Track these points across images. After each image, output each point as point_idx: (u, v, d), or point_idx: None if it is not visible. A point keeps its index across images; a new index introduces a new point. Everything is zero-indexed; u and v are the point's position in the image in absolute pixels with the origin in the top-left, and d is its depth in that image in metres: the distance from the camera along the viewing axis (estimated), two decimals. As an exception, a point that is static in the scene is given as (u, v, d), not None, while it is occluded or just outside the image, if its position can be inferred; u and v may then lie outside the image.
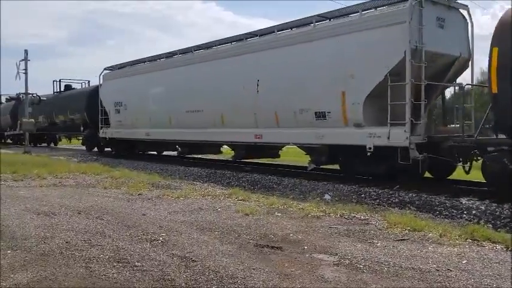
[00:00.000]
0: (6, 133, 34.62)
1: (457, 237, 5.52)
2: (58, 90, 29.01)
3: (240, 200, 8.23)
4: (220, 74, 13.87)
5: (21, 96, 30.45)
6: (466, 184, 9.67)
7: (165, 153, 21.19)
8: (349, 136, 10.18)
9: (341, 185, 10.02)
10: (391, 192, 9.06)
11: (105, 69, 20.79)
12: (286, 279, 4.02)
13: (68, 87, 28.63)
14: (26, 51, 23.65)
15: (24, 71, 23.75)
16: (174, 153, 19.07)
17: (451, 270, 4.25)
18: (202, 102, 14.60)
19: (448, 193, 8.57)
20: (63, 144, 35.82)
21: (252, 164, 15.43)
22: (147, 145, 19.69)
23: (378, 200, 8.77)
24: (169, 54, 17.00)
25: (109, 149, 21.97)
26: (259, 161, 15.95)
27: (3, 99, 39.40)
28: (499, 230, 6.38)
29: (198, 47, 15.39)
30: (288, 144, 12.97)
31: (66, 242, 5.20)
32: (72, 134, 29.03)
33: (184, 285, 3.91)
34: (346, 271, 4.27)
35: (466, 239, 5.46)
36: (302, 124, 11.25)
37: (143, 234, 5.60)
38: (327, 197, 9.31)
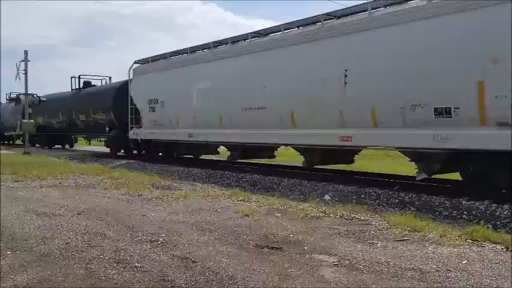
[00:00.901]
0: (6, 133, 34.10)
1: (457, 237, 5.51)
2: (77, 87, 25.82)
3: (240, 201, 8.23)
4: (290, 63, 11.56)
5: (20, 96, 30.39)
6: (466, 185, 9.66)
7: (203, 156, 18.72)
8: (490, 139, 7.87)
9: (341, 186, 10.02)
10: (391, 192, 9.06)
11: (135, 62, 18.40)
12: (286, 280, 4.03)
13: (87, 84, 25.71)
14: (25, 52, 23.63)
15: (24, 72, 23.73)
16: (214, 157, 17.80)
17: (451, 271, 4.25)
18: (265, 98, 12.24)
19: (447, 194, 8.56)
20: (82, 145, 32.31)
21: (251, 164, 15.43)
22: (188, 148, 16.89)
23: (377, 201, 8.77)
24: (217, 44, 14.65)
25: (131, 152, 20.41)
26: (259, 162, 15.95)
27: (3, 100, 38.69)
28: (499, 230, 6.38)
29: (257, 33, 13.13)
30: (390, 148, 10.55)
31: (66, 243, 5.20)
32: (93, 135, 25.55)
33: (184, 286, 3.91)
34: (346, 272, 4.28)
35: (466, 239, 5.46)
36: (413, 123, 9.03)
37: (143, 235, 5.60)
38: (326, 197, 9.30)
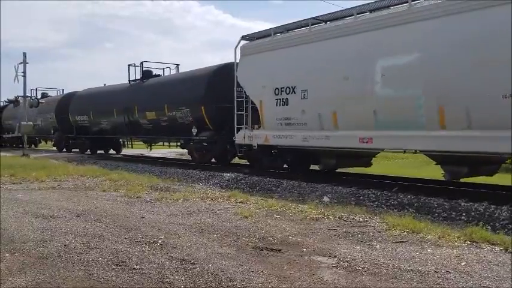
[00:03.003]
0: (5, 136, 32.96)
1: (456, 239, 5.52)
2: (135, 77, 20.32)
3: (239, 203, 8.22)
4: None
5: (19, 98, 30.31)
6: (464, 186, 9.67)
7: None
8: None
9: (340, 187, 10.02)
10: (389, 194, 9.07)
11: (243, 38, 13.25)
12: (285, 282, 4.02)
13: (147, 73, 19.87)
14: (24, 54, 23.61)
15: (22, 74, 23.71)
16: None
17: (449, 272, 4.25)
18: None
19: (446, 195, 8.57)
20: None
21: (249, 166, 15.43)
22: (343, 157, 11.41)
23: (376, 202, 8.78)
24: None
25: (224, 160, 15.78)
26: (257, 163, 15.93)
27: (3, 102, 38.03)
28: (497, 231, 6.39)
29: None
30: None
31: (65, 245, 5.19)
32: (167, 138, 19.14)
33: (183, 287, 3.90)
34: (345, 273, 4.27)
35: (465, 240, 5.47)
36: None
37: (142, 237, 5.59)
38: (325, 199, 9.31)
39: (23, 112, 28.84)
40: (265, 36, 12.75)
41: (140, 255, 4.82)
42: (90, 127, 22.85)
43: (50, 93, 31.82)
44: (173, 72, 19.78)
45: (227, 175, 13.05)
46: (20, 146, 26.37)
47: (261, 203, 8.16)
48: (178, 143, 18.67)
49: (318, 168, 12.51)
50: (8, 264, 4.51)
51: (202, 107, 15.01)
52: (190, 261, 4.60)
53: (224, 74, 14.45)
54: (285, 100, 11.65)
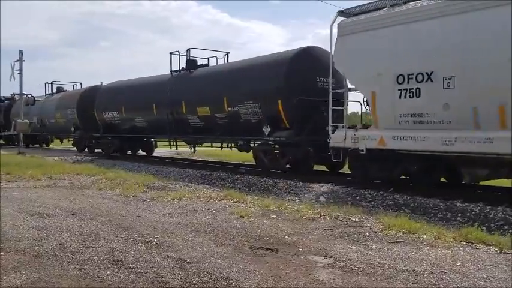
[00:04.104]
0: (2, 134, 31.77)
1: (452, 239, 5.54)
2: (178, 67, 16.85)
3: (235, 202, 8.22)
4: None
5: (15, 96, 30.15)
6: (460, 187, 9.70)
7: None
8: None
9: (336, 187, 10.03)
10: (385, 194, 9.08)
11: (340, 13, 10.32)
12: (281, 281, 4.03)
13: (192, 63, 16.55)
14: (21, 52, 23.50)
15: (19, 72, 23.61)
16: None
17: (445, 273, 4.27)
18: None
19: (442, 196, 8.59)
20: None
21: (246, 165, 15.41)
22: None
23: (372, 202, 8.79)
24: None
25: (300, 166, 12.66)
26: (254, 163, 15.93)
27: None
28: (493, 232, 6.41)
29: None
30: None
31: (60, 244, 5.18)
32: (216, 139, 15.72)
33: (178, 287, 3.90)
34: (340, 273, 4.28)
35: (460, 241, 5.49)
36: None
37: (138, 236, 5.58)
38: (322, 199, 9.31)
39: (31, 108, 27.53)
40: (375, 10, 9.83)
41: (136, 254, 4.81)
42: (120, 125, 19.39)
43: (65, 88, 28.54)
44: (221, 62, 16.46)
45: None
46: (16, 143, 25.59)
47: (257, 202, 8.16)
48: (229, 144, 15.35)
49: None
50: (3, 262, 4.49)
51: (279, 101, 11.95)
52: (186, 260, 4.59)
53: (306, 59, 12.15)
54: (414, 91, 8.75)
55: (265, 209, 7.54)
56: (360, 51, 9.77)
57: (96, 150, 22.23)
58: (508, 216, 7.08)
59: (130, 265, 4.43)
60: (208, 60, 16.65)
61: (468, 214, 7.48)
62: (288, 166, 12.88)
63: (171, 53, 16.85)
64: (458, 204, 7.90)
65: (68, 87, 28.31)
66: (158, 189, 9.84)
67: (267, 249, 5.09)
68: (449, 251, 5.03)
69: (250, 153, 14.18)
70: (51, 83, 28.67)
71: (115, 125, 19.67)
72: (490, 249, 5.20)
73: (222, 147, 15.90)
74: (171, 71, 16.92)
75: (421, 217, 7.52)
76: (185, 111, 15.39)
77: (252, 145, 13.98)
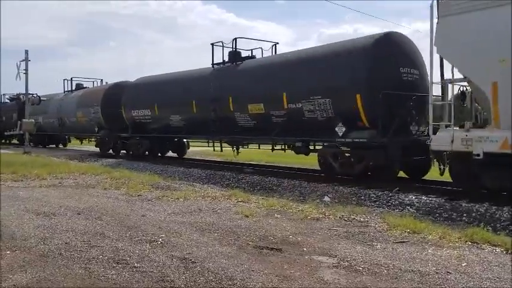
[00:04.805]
0: (6, 133, 31.53)
1: (457, 239, 5.52)
2: (220, 60, 15.03)
3: (240, 202, 8.23)
4: None
5: (21, 96, 30.22)
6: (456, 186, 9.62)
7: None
8: None
9: (341, 187, 10.01)
10: (390, 194, 9.05)
11: None
12: (286, 281, 4.02)
13: (234, 55, 14.67)
14: (26, 52, 23.62)
15: (24, 72, 23.72)
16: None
17: (450, 273, 4.25)
18: None
19: (447, 196, 8.56)
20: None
21: (252, 165, 15.42)
22: None
23: (377, 202, 8.76)
24: None
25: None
26: (259, 163, 15.94)
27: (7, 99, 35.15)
28: (498, 232, 6.37)
29: None
30: None
31: (66, 243, 5.20)
32: (266, 139, 13.57)
33: (183, 286, 3.91)
34: (345, 273, 4.27)
35: (466, 241, 5.47)
36: None
37: (143, 235, 5.60)
38: (326, 199, 9.30)
39: (43, 108, 26.14)
40: None
41: (141, 253, 4.83)
42: (151, 124, 17.63)
43: (85, 84, 26.37)
44: (267, 54, 14.56)
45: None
46: (30, 143, 25.08)
47: (261, 202, 8.16)
48: (283, 146, 13.45)
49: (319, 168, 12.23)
50: (8, 261, 4.51)
51: (358, 96, 10.06)
52: (190, 259, 4.60)
53: (389, 46, 10.31)
54: None
55: (270, 208, 7.54)
56: (473, 33, 8.02)
57: (121, 151, 20.52)
58: (513, 217, 7.04)
59: (135, 264, 4.44)
60: (252, 52, 14.75)
61: (473, 214, 7.44)
62: (362, 172, 10.76)
63: (212, 44, 15.07)
64: (463, 204, 7.87)
65: (88, 84, 26.39)
66: (163, 188, 9.86)
67: (272, 248, 5.09)
68: (455, 251, 5.01)
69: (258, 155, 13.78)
70: (71, 80, 26.37)
71: (145, 124, 17.95)
72: (495, 249, 5.18)
73: (273, 149, 13.84)
74: (213, 64, 15.12)
75: (426, 217, 7.49)
76: (232, 108, 13.56)
77: (311, 147, 12.30)
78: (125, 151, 20.29)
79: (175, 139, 18.70)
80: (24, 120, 23.87)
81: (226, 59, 14.87)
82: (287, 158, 16.10)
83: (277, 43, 14.91)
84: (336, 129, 10.68)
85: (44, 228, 5.88)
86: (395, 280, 4.09)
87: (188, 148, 19.52)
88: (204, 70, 15.48)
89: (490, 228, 6.66)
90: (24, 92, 25.43)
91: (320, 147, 12.09)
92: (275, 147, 13.70)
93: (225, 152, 18.22)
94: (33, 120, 24.21)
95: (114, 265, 4.43)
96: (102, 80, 26.52)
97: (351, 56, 10.61)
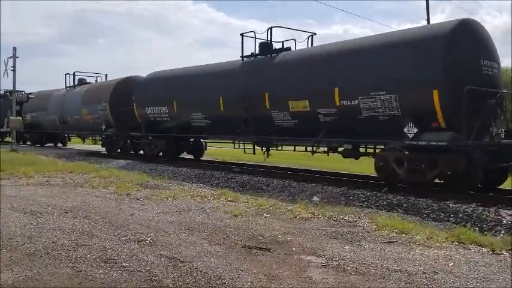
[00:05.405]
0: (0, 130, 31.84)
1: (444, 240, 5.57)
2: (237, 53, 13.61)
3: (229, 201, 8.22)
4: None
5: (7, 93, 29.85)
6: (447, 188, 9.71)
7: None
8: None
9: (330, 187, 10.05)
10: (379, 194, 9.10)
11: None
12: (274, 281, 4.03)
13: (269, 46, 13.01)
14: (14, 49, 23.29)
15: (12, 69, 23.47)
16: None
17: (437, 273, 4.29)
18: None
19: (435, 196, 8.63)
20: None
21: (241, 165, 15.41)
22: None
23: (366, 203, 8.81)
24: None
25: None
26: (248, 162, 15.94)
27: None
28: (485, 233, 6.45)
29: None
30: None
31: (53, 242, 5.15)
32: (306, 141, 11.98)
33: (171, 285, 3.89)
34: (333, 273, 4.29)
35: (453, 241, 5.52)
36: None
37: (131, 235, 5.57)
38: (315, 198, 9.33)
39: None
40: None
41: (129, 252, 4.80)
42: (169, 122, 16.04)
43: (88, 80, 24.57)
44: (302, 46, 12.96)
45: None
46: (11, 141, 24.95)
47: (251, 201, 8.16)
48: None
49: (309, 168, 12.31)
50: (-6, 260, 4.46)
51: (436, 91, 8.63)
52: (179, 259, 4.59)
53: (467, 35, 8.94)
54: None
55: (259, 208, 7.55)
56: None
57: (141, 151, 18.72)
58: (500, 217, 7.13)
59: (123, 264, 4.42)
60: (283, 44, 13.04)
61: (461, 215, 7.52)
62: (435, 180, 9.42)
63: (242, 34, 13.39)
64: (451, 205, 7.94)
65: (91, 80, 24.52)
66: (152, 187, 9.81)
67: (260, 248, 5.09)
68: (442, 252, 5.05)
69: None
70: (74, 74, 24.24)
71: (161, 123, 16.30)
72: (482, 249, 5.24)
73: (314, 152, 11.82)
74: (242, 56, 13.42)
75: (414, 217, 7.55)
76: (268, 105, 12.02)
77: (362, 149, 10.91)
78: (133, 151, 19.42)
79: (191, 139, 17.17)
80: (11, 117, 23.61)
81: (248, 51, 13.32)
82: (314, 160, 14.55)
83: (315, 33, 13.22)
84: (405, 130, 9.12)
85: (30, 227, 5.82)
86: (383, 280, 4.11)
87: (205, 149, 18.04)
88: (233, 63, 13.91)
89: (476, 228, 6.74)
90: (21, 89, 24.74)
91: (370, 149, 10.88)
92: (316, 150, 11.84)
93: (215, 151, 18.12)
94: (20, 118, 23.95)
95: (102, 264, 4.40)
96: (106, 75, 24.71)
97: (426, 45, 9.02)
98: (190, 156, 17.86)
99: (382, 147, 10.44)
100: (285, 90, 11.60)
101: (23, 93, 27.37)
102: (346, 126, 10.38)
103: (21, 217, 6.44)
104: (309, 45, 12.86)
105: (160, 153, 17.14)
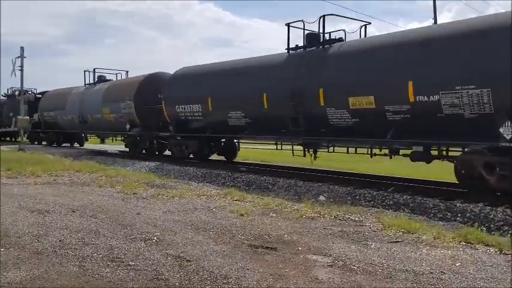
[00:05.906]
0: (1, 130, 30.91)
1: (451, 239, 5.54)
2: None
3: (235, 200, 8.23)
4: None
5: (16, 93, 30.07)
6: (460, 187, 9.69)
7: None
8: None
9: (336, 187, 10.03)
10: (385, 194, 9.08)
11: None
12: (280, 280, 4.03)
13: (317, 37, 11.93)
14: (22, 48, 23.48)
15: (20, 68, 23.62)
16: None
17: (444, 273, 4.27)
18: None
19: (442, 196, 8.59)
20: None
21: (247, 164, 15.41)
22: None
23: (372, 202, 8.79)
24: None
25: None
26: (254, 162, 15.93)
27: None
28: (492, 233, 6.42)
29: None
30: None
31: (60, 241, 5.18)
32: (369, 142, 10.75)
33: (178, 284, 3.90)
34: (340, 272, 4.28)
35: (460, 241, 5.49)
36: None
37: (137, 234, 5.59)
38: (321, 198, 9.32)
39: (60, 103, 23.48)
40: None
41: (135, 251, 4.82)
42: (202, 122, 14.90)
43: (108, 77, 23.41)
44: (354, 37, 11.88)
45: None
46: (19, 140, 25.02)
47: (257, 201, 8.16)
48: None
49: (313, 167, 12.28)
50: (2, 258, 4.49)
51: None
52: (185, 258, 4.60)
53: None
54: None
55: (265, 207, 7.55)
56: None
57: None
58: (508, 217, 7.09)
59: (130, 262, 4.43)
60: (330, 34, 11.80)
61: (468, 214, 7.48)
62: None
63: (288, 24, 12.33)
64: (458, 204, 7.90)
65: (111, 77, 23.45)
66: (158, 187, 9.84)
67: (267, 247, 5.09)
68: (449, 251, 5.03)
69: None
70: (94, 71, 23.06)
71: (192, 122, 15.19)
72: (489, 249, 5.20)
73: (373, 155, 10.84)
74: (288, 48, 12.34)
75: (421, 217, 7.53)
76: (323, 102, 10.75)
77: (433, 152, 9.77)
78: (157, 152, 18.57)
79: (222, 140, 16.07)
80: (19, 117, 23.77)
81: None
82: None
83: (369, 23, 12.24)
84: (502, 129, 7.93)
85: (38, 226, 5.86)
86: (390, 279, 4.10)
87: (238, 150, 16.55)
88: (277, 57, 12.74)
89: (484, 228, 6.71)
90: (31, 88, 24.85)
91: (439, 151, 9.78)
92: (374, 153, 10.82)
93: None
94: (27, 117, 24.11)
95: (109, 263, 4.41)
96: (127, 72, 23.30)
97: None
98: (222, 158, 16.72)
99: (460, 150, 9.35)
100: (344, 85, 10.33)
101: (30, 92, 27.46)
102: (420, 125, 9.13)
103: (28, 216, 6.48)
104: (362, 36, 11.76)
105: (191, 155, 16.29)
